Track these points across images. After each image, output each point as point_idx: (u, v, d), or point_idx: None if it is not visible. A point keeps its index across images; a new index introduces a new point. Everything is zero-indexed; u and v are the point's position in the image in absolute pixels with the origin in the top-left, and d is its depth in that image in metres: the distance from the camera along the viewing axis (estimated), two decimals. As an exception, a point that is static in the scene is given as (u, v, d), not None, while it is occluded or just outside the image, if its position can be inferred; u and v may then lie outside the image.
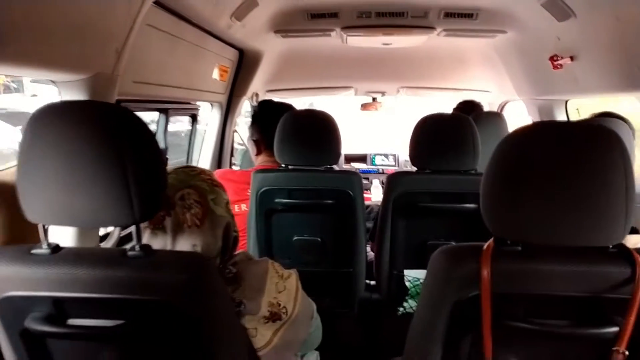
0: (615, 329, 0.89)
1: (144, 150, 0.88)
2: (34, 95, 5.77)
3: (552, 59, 2.41)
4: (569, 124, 0.94)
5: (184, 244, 1.05)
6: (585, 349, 0.95)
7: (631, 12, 1.71)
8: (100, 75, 1.41)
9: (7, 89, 5.97)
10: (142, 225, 1.04)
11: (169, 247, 1.04)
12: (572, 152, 0.88)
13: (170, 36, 1.89)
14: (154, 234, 1.05)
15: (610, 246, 0.91)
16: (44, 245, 0.90)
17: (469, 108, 3.02)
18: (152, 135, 0.92)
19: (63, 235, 1.36)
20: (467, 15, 2.53)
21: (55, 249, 0.91)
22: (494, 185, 0.94)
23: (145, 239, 1.04)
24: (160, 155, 0.93)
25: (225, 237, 1.11)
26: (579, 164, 0.87)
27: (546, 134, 0.91)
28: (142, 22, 1.53)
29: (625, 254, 0.90)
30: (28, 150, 0.85)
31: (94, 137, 0.84)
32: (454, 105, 3.21)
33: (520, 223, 0.91)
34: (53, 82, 1.40)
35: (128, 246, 0.91)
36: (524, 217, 0.90)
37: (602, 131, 0.88)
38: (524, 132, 0.94)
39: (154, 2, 1.57)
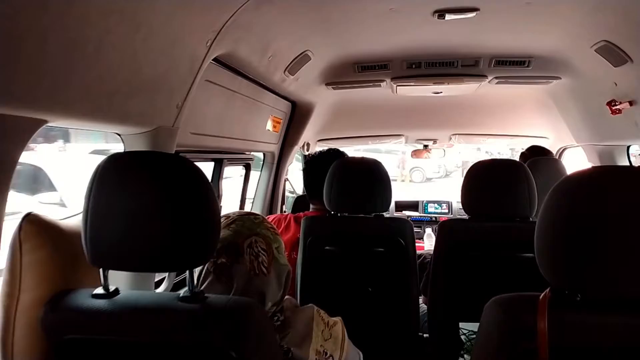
0: None
1: (199, 198, 0.92)
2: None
3: (609, 104, 2.34)
4: (625, 167, 0.89)
5: (251, 292, 1.06)
6: None
7: None
8: (161, 129, 1.50)
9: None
10: (205, 270, 1.08)
11: (232, 294, 1.06)
12: (630, 197, 0.83)
13: (227, 90, 1.99)
14: (218, 280, 1.07)
15: None
16: (104, 290, 0.94)
17: (536, 153, 2.96)
18: (207, 184, 0.96)
19: (119, 279, 1.42)
20: (519, 62, 2.52)
21: (114, 292, 0.95)
22: (549, 232, 0.91)
23: (206, 284, 1.07)
24: (215, 204, 0.97)
25: (285, 286, 1.13)
26: (635, 211, 0.82)
27: (603, 178, 0.88)
28: (202, 78, 1.63)
29: None
30: (93, 198, 0.90)
31: (154, 185, 0.89)
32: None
33: (577, 272, 0.86)
34: (118, 134, 1.50)
35: (182, 292, 0.93)
36: (582, 266, 0.85)
37: None
38: (579, 177, 0.90)
39: (213, 60, 1.67)
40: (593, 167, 0.91)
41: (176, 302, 0.92)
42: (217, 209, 0.97)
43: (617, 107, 2.28)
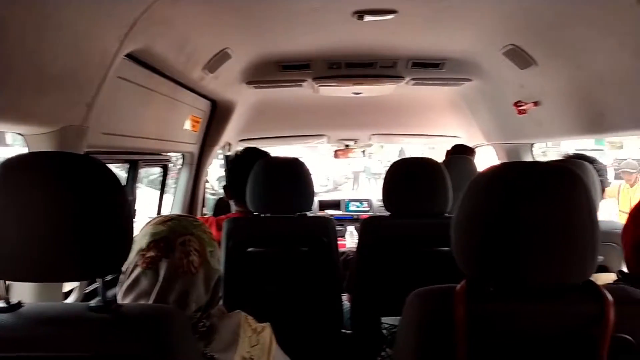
0: None
1: (109, 201, 0.86)
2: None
3: (516, 105, 2.50)
4: (532, 163, 0.96)
5: (176, 289, 1.02)
6: None
7: (591, 61, 1.80)
8: (69, 128, 1.40)
9: None
10: (133, 263, 1.02)
11: (157, 288, 1.01)
12: (536, 191, 0.89)
13: (141, 88, 1.89)
14: (143, 274, 1.03)
15: (579, 284, 0.91)
16: (5, 303, 0.85)
17: (458, 152, 3.12)
18: (118, 186, 0.89)
19: (25, 291, 1.30)
20: (433, 65, 2.62)
21: (16, 306, 0.86)
22: (464, 227, 0.95)
23: (132, 277, 1.01)
24: (127, 208, 0.91)
25: (214, 291, 1.10)
26: (544, 203, 0.88)
27: (511, 175, 0.93)
28: (114, 75, 1.54)
29: (594, 290, 0.91)
30: None
31: (56, 187, 0.82)
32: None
33: (490, 263, 0.91)
34: (21, 134, 1.37)
35: (93, 302, 0.87)
36: (494, 258, 0.90)
37: (564, 171, 0.91)
38: (490, 174, 0.96)
39: (126, 55, 1.58)
40: (502, 164, 0.97)
41: (86, 313, 0.85)
42: (130, 213, 0.92)
43: (523, 107, 2.45)
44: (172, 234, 1.05)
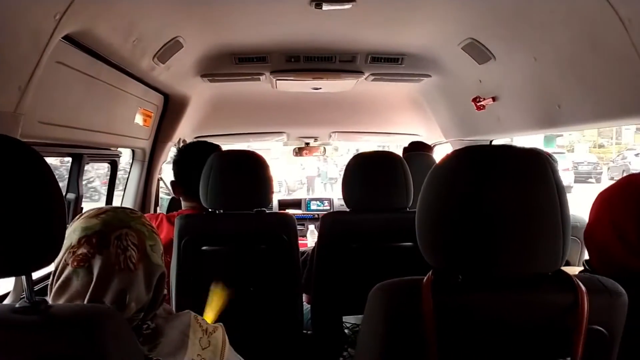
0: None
1: (36, 186, 0.76)
2: None
3: (475, 100, 2.50)
4: (497, 146, 0.91)
5: (112, 288, 0.93)
6: None
7: (547, 53, 1.80)
8: (0, 114, 1.27)
9: None
10: (62, 261, 0.92)
11: (91, 289, 0.91)
12: (502, 174, 0.84)
13: (84, 76, 1.75)
14: (75, 273, 0.92)
15: (550, 273, 0.87)
16: None
17: (415, 148, 3.11)
18: (48, 173, 0.79)
19: None
20: (392, 59, 2.60)
21: None
22: (427, 217, 0.90)
23: (63, 277, 0.92)
24: (58, 194, 0.80)
25: (157, 289, 1.01)
26: (511, 188, 0.83)
27: (475, 158, 0.88)
28: (51, 58, 1.42)
29: (566, 280, 0.87)
30: None
31: None
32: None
33: (456, 253, 0.86)
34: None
35: (17, 303, 0.77)
36: (460, 247, 0.85)
37: (531, 153, 0.86)
38: (452, 158, 0.90)
39: (64, 38, 1.46)
40: (465, 148, 0.91)
41: (10, 315, 0.75)
42: (62, 200, 0.81)
43: (482, 103, 2.45)
44: (106, 227, 0.95)
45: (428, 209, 0.90)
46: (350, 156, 2.09)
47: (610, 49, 1.49)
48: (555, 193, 0.83)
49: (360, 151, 2.23)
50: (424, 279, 0.88)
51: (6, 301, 1.64)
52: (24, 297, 0.78)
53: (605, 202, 1.14)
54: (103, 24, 1.59)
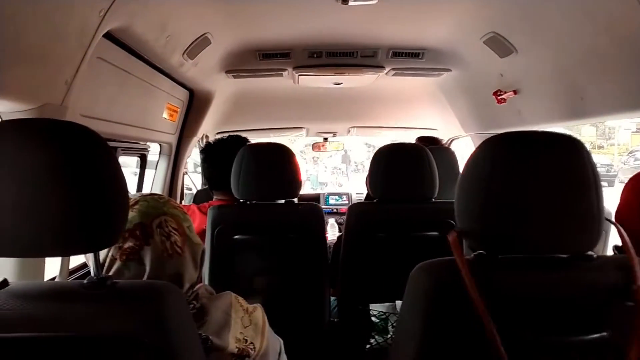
0: (604, 334, 0.88)
1: (105, 170, 0.81)
2: None
3: (495, 94, 2.52)
4: (533, 132, 0.94)
5: (165, 274, 0.98)
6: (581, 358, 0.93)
7: (570, 45, 1.82)
8: (48, 107, 1.33)
9: None
10: (109, 257, 0.96)
11: (146, 278, 0.97)
12: (541, 159, 0.88)
13: (120, 71, 1.82)
14: (125, 267, 0.97)
15: (594, 255, 0.91)
16: None
17: (428, 143, 3.11)
18: (113, 156, 0.85)
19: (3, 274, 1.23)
20: (413, 54, 2.63)
21: (2, 284, 0.80)
22: (468, 199, 0.94)
23: (112, 272, 0.96)
24: (124, 183, 0.85)
25: (201, 265, 1.07)
26: (550, 170, 0.87)
27: (515, 144, 0.92)
28: (93, 54, 1.48)
29: (615, 260, 0.90)
30: None
31: (47, 153, 0.76)
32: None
33: (496, 235, 0.89)
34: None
35: (85, 280, 0.82)
36: (500, 229, 0.89)
37: (569, 139, 0.90)
38: (491, 144, 0.94)
39: (105, 35, 1.52)
40: (503, 134, 0.94)
41: (82, 290, 0.80)
42: (125, 185, 0.86)
43: (502, 96, 2.47)
44: (145, 218, 0.99)
45: (467, 192, 0.94)
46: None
47: (633, 40, 1.51)
48: (590, 176, 0.87)
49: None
50: (462, 260, 0.90)
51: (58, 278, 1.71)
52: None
53: (637, 186, 1.17)
54: (140, 20, 1.65)
